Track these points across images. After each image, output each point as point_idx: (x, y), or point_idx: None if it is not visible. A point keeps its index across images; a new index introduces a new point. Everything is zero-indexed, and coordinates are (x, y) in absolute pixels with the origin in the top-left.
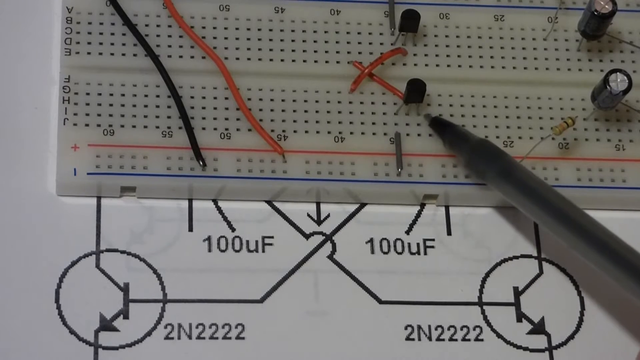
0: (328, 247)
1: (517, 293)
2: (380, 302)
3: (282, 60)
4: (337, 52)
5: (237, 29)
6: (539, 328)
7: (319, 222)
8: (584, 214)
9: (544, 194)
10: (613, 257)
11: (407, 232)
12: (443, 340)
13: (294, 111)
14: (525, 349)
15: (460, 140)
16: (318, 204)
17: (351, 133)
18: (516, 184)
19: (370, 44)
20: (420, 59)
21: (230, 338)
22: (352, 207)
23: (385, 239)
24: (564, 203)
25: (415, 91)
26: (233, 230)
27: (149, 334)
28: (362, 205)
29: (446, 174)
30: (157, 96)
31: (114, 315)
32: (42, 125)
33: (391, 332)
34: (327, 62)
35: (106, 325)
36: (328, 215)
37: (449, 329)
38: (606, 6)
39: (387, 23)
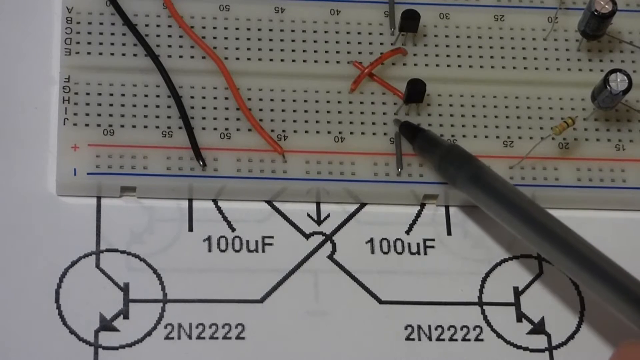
0: (328, 247)
1: (517, 293)
2: (380, 302)
3: (282, 60)
4: (337, 52)
5: (237, 29)
6: (539, 328)
7: (319, 222)
8: (553, 217)
9: (513, 198)
10: (581, 261)
11: (407, 232)
12: (443, 340)
13: (294, 111)
14: (525, 349)
15: (430, 146)
16: (318, 204)
17: (351, 133)
18: (485, 188)
19: (370, 44)
20: (420, 59)
21: (230, 338)
22: (352, 207)
23: (385, 239)
24: (533, 207)
25: (415, 91)
26: (233, 230)
27: (149, 334)
28: (362, 205)
29: None
30: (157, 96)
31: (114, 315)
32: (42, 125)
33: (391, 332)
34: (327, 62)
35: (106, 325)
36: (328, 215)
37: (449, 329)
38: (606, 6)
39: (387, 23)
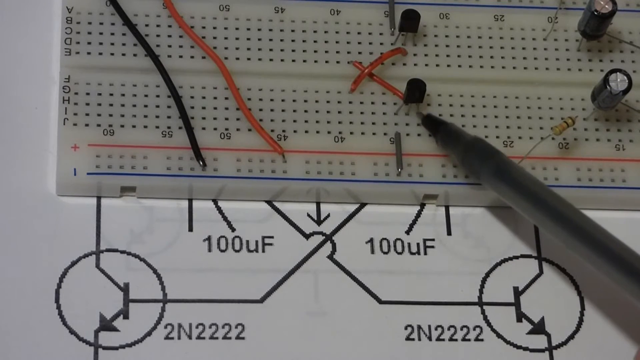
0: (328, 247)
1: (517, 293)
2: (380, 302)
3: (282, 60)
4: (337, 52)
5: (237, 29)
6: (539, 328)
7: (319, 222)
8: (580, 212)
9: (539, 193)
10: (609, 256)
11: (407, 232)
12: (443, 340)
13: (294, 111)
14: (525, 349)
15: (453, 139)
16: (318, 204)
17: (351, 133)
18: (511, 183)
19: (370, 44)
20: (420, 59)
21: (230, 338)
22: (352, 207)
23: (385, 239)
24: (559, 202)
25: (415, 91)
26: (233, 230)
27: (149, 334)
28: (362, 205)
29: (446, 174)
30: (157, 96)
31: (114, 315)
32: (42, 125)
33: (391, 332)
34: (327, 62)
35: (106, 325)
36: (328, 215)
37: (449, 329)
38: (606, 6)
39: (387, 23)
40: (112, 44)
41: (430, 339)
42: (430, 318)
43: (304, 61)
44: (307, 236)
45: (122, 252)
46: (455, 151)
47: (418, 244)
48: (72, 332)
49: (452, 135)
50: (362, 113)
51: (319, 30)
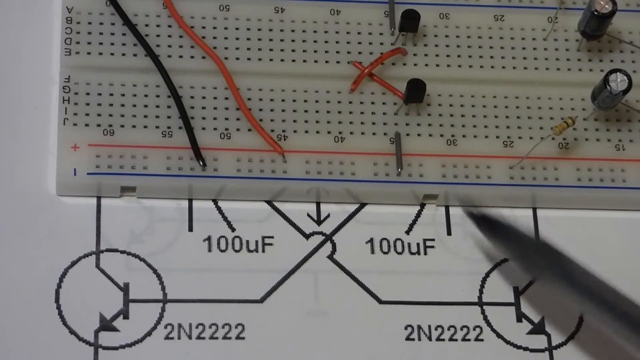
0: (328, 247)
1: (517, 293)
2: (380, 302)
3: (282, 60)
4: (337, 52)
5: (237, 29)
6: (539, 328)
7: (319, 222)
8: None
9: (607, 296)
10: None
11: (407, 232)
12: (443, 340)
13: (294, 111)
14: (525, 349)
15: (513, 241)
16: (318, 204)
17: (351, 133)
18: (577, 288)
19: (370, 44)
20: (420, 59)
21: (230, 338)
22: (352, 207)
23: (385, 239)
24: (630, 305)
25: (415, 91)
26: (233, 230)
27: (149, 334)
28: (362, 205)
29: (446, 174)
30: (157, 96)
31: (114, 315)
32: (42, 125)
33: (391, 332)
34: (327, 62)
35: (106, 325)
36: (328, 215)
37: (449, 329)
38: (606, 6)
39: (387, 23)
40: (112, 44)
41: (430, 339)
42: (430, 318)
43: (304, 61)
44: (307, 236)
45: (122, 252)
46: (513, 252)
47: (418, 244)
48: (72, 332)
49: (511, 236)
50: (362, 113)
51: (319, 30)
